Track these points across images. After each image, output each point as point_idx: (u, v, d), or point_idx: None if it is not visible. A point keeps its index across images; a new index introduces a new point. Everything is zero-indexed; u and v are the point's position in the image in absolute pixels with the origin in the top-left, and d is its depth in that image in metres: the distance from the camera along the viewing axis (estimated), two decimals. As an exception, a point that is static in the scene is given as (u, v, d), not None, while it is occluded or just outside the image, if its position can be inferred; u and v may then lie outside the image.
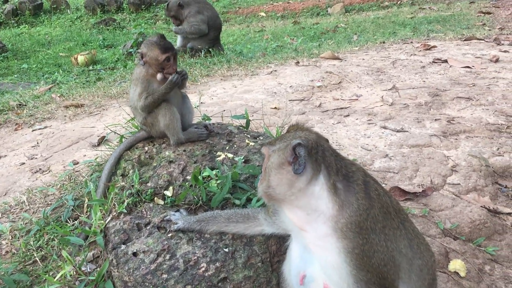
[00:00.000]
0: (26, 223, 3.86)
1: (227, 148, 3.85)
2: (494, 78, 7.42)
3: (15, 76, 11.30)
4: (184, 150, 3.80)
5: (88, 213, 3.64)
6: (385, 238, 2.28)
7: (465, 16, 14.79)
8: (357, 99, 6.77)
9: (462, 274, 3.53)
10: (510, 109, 6.05)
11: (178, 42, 10.25)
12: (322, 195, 2.30)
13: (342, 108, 6.42)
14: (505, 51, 9.11)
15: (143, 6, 19.40)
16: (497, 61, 8.36)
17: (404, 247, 2.35)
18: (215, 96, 7.09)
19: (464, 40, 10.46)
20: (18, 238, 3.67)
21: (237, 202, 3.33)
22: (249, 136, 4.08)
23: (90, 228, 3.31)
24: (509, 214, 4.20)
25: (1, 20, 18.50)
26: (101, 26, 17.20)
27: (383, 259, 2.25)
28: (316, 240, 2.35)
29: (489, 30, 12.12)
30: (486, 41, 10.25)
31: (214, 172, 3.46)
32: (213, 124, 4.23)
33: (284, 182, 2.33)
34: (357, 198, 2.30)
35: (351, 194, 2.32)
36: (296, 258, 2.58)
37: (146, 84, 3.65)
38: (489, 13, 15.13)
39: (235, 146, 3.87)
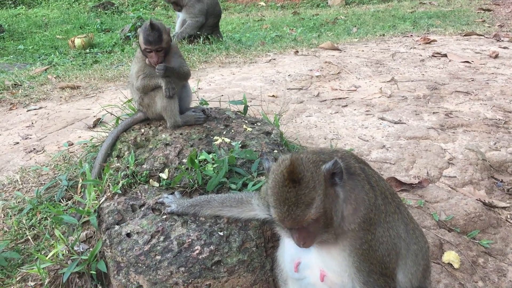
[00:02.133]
0: (19, 201, 3.82)
1: (224, 132, 3.82)
2: (493, 73, 7.40)
3: (11, 56, 11.16)
4: (181, 134, 3.77)
5: (82, 193, 3.60)
6: (388, 227, 2.26)
7: (465, 13, 14.75)
8: (355, 90, 6.73)
9: (456, 265, 3.54)
10: (508, 105, 6.04)
11: (176, 27, 10.14)
12: (340, 195, 2.22)
13: (340, 98, 6.39)
14: (504, 48, 9.09)
15: (142, -9, 19.22)
16: (496, 57, 8.34)
17: (402, 232, 2.34)
18: (213, 82, 7.03)
19: (464, 35, 10.43)
20: (11, 216, 3.63)
21: (233, 186, 3.30)
22: (246, 121, 4.05)
23: (83, 208, 3.27)
24: (504, 208, 4.20)
25: (-2, 1, 18.30)
26: (99, 9, 17.00)
27: (387, 249, 2.24)
28: None
29: (489, 27, 12.09)
30: (486, 37, 10.22)
31: (210, 156, 3.43)
32: (211, 108, 4.20)
33: (333, 206, 2.17)
34: (366, 192, 2.24)
35: (359, 189, 2.25)
36: (290, 245, 2.55)
37: (142, 64, 3.67)
38: (489, 10, 15.10)
39: (232, 131, 3.84)
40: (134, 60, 3.81)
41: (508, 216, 4.14)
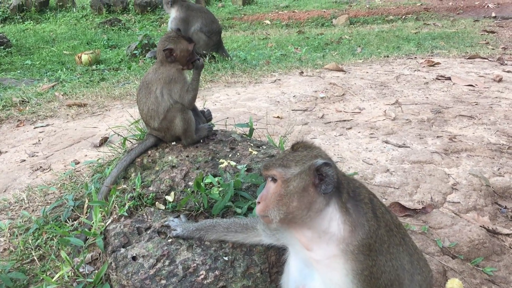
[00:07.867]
0: (25, 221, 3.85)
1: (230, 155, 3.85)
2: (496, 97, 7.45)
3: (18, 72, 11.27)
4: (187, 156, 3.80)
5: (88, 214, 3.63)
6: (391, 258, 2.29)
7: (469, 34, 14.85)
8: (360, 112, 6.78)
9: (460, 293, 3.53)
10: (512, 130, 6.08)
11: (168, 26, 10.11)
12: (335, 216, 2.28)
13: (344, 120, 6.44)
14: (508, 71, 9.15)
15: (148, 8, 19.40)
16: (500, 81, 8.40)
17: (406, 263, 2.36)
18: (219, 102, 7.09)
19: (468, 58, 10.51)
20: (17, 235, 3.66)
21: (239, 210, 3.32)
22: (252, 144, 4.08)
23: (90, 230, 3.30)
24: (508, 235, 4.21)
25: (7, 15, 18.49)
26: (106, 26, 17.20)
27: (389, 279, 2.26)
28: (321, 259, 2.33)
29: (493, 49, 12.17)
30: (490, 60, 10.29)
31: (216, 179, 3.46)
32: (217, 130, 4.23)
33: (304, 206, 2.27)
34: (367, 219, 2.29)
35: (361, 214, 2.30)
36: (294, 272, 2.56)
37: (184, 77, 3.77)
38: (493, 32, 15.20)
39: (238, 154, 3.88)
40: (166, 84, 3.74)
41: (512, 243, 4.14)
